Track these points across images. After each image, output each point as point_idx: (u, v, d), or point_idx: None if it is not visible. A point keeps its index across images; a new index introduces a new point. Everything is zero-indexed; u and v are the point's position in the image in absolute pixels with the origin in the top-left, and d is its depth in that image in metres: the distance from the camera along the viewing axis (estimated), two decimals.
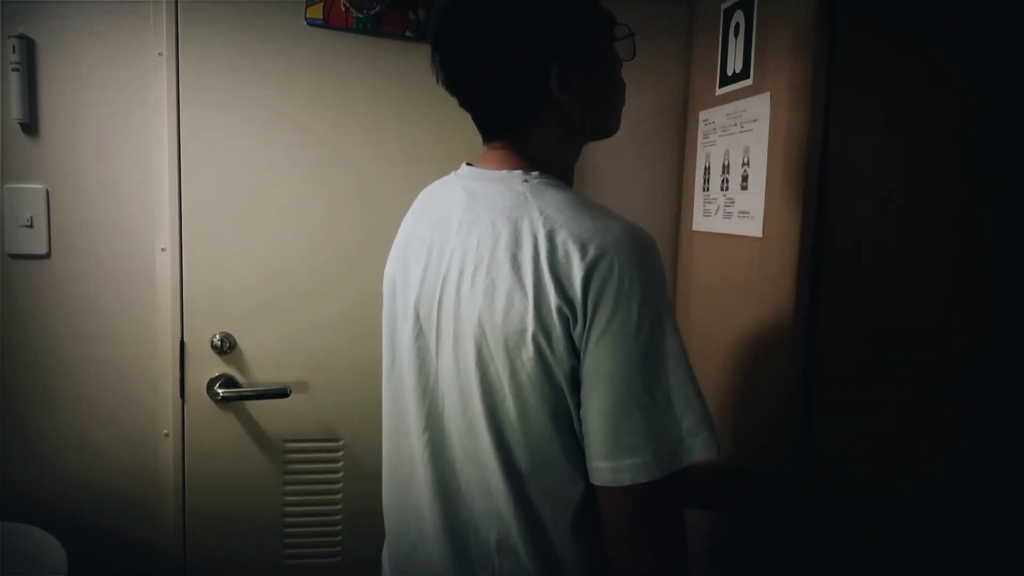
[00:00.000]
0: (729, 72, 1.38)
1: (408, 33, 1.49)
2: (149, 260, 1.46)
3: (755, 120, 1.26)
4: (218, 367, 1.49)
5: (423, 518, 0.86)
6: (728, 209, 1.37)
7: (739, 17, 1.34)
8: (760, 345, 1.26)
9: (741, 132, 1.32)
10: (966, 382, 1.19)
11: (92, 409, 1.47)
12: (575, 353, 0.74)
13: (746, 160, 1.30)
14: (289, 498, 1.54)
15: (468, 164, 0.91)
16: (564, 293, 0.72)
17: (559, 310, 0.72)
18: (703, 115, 1.50)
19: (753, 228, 1.27)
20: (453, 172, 0.92)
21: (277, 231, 1.48)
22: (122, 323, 1.46)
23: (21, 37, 1.37)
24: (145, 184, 1.45)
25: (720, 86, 1.42)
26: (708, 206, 1.47)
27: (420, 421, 0.85)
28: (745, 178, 1.30)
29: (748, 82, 1.30)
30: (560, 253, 0.73)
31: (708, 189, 1.47)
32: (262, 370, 1.51)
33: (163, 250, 1.45)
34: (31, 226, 1.42)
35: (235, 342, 1.49)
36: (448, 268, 0.81)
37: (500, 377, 0.76)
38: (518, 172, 0.83)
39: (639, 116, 1.61)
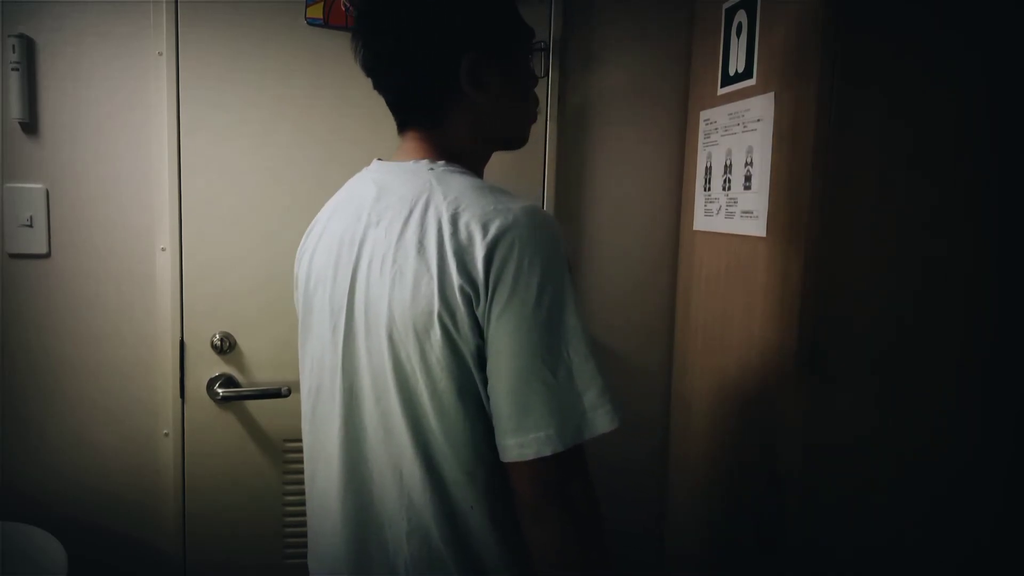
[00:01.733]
0: (731, 72, 1.38)
1: None
2: (149, 260, 1.45)
3: (759, 120, 1.26)
4: (218, 367, 1.49)
5: (329, 509, 0.87)
6: (731, 209, 1.36)
7: (741, 17, 1.33)
8: (763, 345, 1.26)
9: (744, 132, 1.31)
10: (966, 382, 1.19)
11: (92, 409, 1.47)
12: (479, 332, 0.76)
13: (749, 160, 1.29)
14: (289, 498, 1.54)
15: (379, 160, 0.92)
16: (467, 273, 0.74)
17: (462, 289, 0.74)
18: (704, 115, 1.50)
19: (757, 228, 1.26)
20: (366, 168, 0.93)
21: (277, 231, 1.48)
22: (122, 323, 1.46)
23: (21, 37, 1.37)
24: (145, 184, 1.45)
25: (722, 86, 1.42)
26: (710, 206, 1.46)
27: (337, 415, 0.85)
28: (748, 178, 1.30)
29: (751, 82, 1.30)
30: (463, 235, 0.75)
31: (710, 189, 1.46)
32: (262, 370, 1.51)
33: (163, 250, 1.45)
34: (31, 226, 1.42)
35: (235, 342, 1.49)
36: (358, 260, 0.82)
37: (411, 361, 0.78)
38: (424, 161, 0.85)
39: (639, 116, 1.61)
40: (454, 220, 0.76)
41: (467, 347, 0.76)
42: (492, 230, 0.75)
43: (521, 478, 0.76)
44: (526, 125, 0.95)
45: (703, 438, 1.48)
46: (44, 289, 1.44)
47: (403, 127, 0.90)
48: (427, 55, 0.83)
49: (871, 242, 1.13)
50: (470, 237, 0.75)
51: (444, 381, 0.77)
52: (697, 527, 1.51)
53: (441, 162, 0.85)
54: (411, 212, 0.79)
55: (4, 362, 1.44)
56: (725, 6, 1.40)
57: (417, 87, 0.85)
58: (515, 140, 0.95)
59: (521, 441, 0.74)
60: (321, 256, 0.88)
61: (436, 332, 0.75)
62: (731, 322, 1.37)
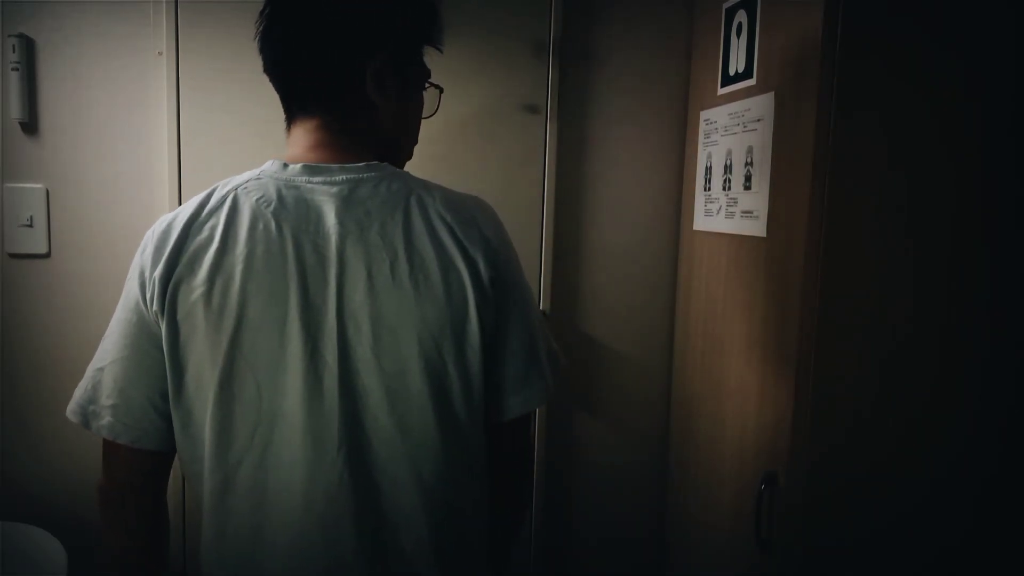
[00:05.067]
0: (731, 72, 1.38)
1: None
2: None
3: (759, 120, 1.26)
4: None
5: (339, 539, 0.79)
6: (731, 209, 1.36)
7: (741, 17, 1.33)
8: (764, 345, 1.26)
9: (744, 132, 1.31)
10: (967, 382, 1.19)
11: None
12: (497, 313, 0.83)
13: (749, 160, 1.29)
14: None
15: (286, 163, 0.84)
16: (491, 261, 0.82)
17: (491, 279, 0.81)
18: (704, 115, 1.50)
19: (757, 228, 1.26)
20: (269, 175, 0.82)
21: None
22: None
23: (21, 37, 1.37)
24: (145, 184, 1.45)
25: (722, 86, 1.42)
26: (710, 206, 1.46)
27: (329, 443, 0.78)
28: (748, 178, 1.30)
29: (751, 82, 1.30)
30: (471, 227, 0.82)
31: (710, 189, 1.46)
32: None
33: None
34: (31, 226, 1.42)
35: None
36: (342, 273, 0.78)
37: (447, 357, 0.80)
38: (375, 163, 0.83)
39: (639, 116, 1.61)
40: (457, 215, 0.82)
41: (490, 331, 0.82)
42: (492, 221, 0.85)
43: (517, 429, 0.89)
44: (406, 151, 0.96)
45: (703, 438, 1.48)
46: (44, 289, 1.44)
47: (300, 114, 0.86)
48: (337, 50, 0.83)
49: (871, 242, 1.13)
50: (479, 228, 0.83)
51: (476, 366, 0.81)
52: (697, 527, 1.51)
53: (386, 164, 0.84)
54: (407, 214, 0.80)
55: (4, 362, 1.44)
56: (725, 6, 1.40)
57: (328, 79, 0.84)
58: (399, 158, 0.93)
59: (527, 396, 0.86)
60: (259, 278, 0.77)
61: (473, 322, 0.80)
62: (731, 322, 1.37)
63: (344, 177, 0.81)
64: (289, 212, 0.80)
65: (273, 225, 0.79)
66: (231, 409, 0.79)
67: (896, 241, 1.14)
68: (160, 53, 1.41)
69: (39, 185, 1.42)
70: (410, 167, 1.51)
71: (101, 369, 0.84)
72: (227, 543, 0.82)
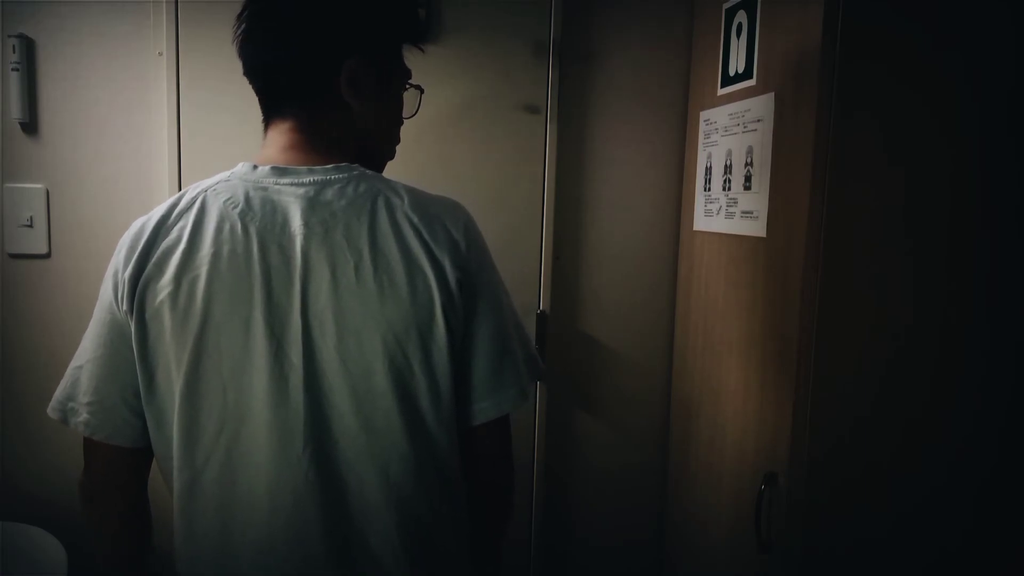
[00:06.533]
0: (731, 72, 1.38)
1: None
2: None
3: (759, 120, 1.26)
4: None
5: (306, 538, 0.79)
6: (731, 209, 1.37)
7: (741, 17, 1.34)
8: (764, 345, 1.26)
9: (744, 132, 1.32)
10: (967, 382, 1.19)
11: None
12: (465, 316, 0.82)
13: (749, 160, 1.29)
14: None
15: (254, 165, 0.84)
16: (459, 263, 0.81)
17: (458, 280, 0.80)
18: (704, 115, 1.50)
19: (757, 228, 1.27)
20: (238, 177, 0.83)
21: None
22: None
23: (21, 37, 1.37)
24: (145, 184, 1.45)
25: (722, 86, 1.42)
26: (710, 206, 1.46)
27: (294, 442, 0.78)
28: (748, 178, 1.30)
29: (751, 82, 1.30)
30: (440, 229, 0.82)
31: (710, 189, 1.46)
32: None
33: None
34: (31, 226, 1.42)
35: None
36: (307, 274, 0.78)
37: (412, 360, 0.79)
38: (344, 165, 0.83)
39: (639, 116, 1.61)
40: (425, 217, 0.81)
41: (458, 334, 0.82)
42: (463, 223, 0.84)
43: (492, 433, 0.86)
44: (385, 155, 0.94)
45: (703, 438, 1.48)
46: (44, 289, 1.44)
47: (276, 116, 0.86)
48: (312, 48, 0.83)
49: (871, 242, 1.13)
50: (447, 230, 0.82)
51: (443, 368, 0.80)
52: (697, 527, 1.51)
53: (356, 165, 0.84)
54: (373, 216, 0.80)
55: (4, 362, 1.44)
56: (725, 6, 1.40)
57: (299, 78, 0.84)
58: (378, 160, 0.92)
59: (499, 400, 0.85)
60: (224, 279, 0.78)
61: (440, 325, 0.79)
62: (731, 322, 1.37)
63: (311, 179, 0.81)
64: (255, 213, 0.80)
65: (239, 226, 0.79)
66: (197, 408, 0.79)
67: (896, 241, 1.14)
68: (160, 53, 1.41)
69: (39, 185, 1.42)
70: (410, 168, 1.51)
71: (80, 367, 0.86)
72: (196, 543, 0.82)
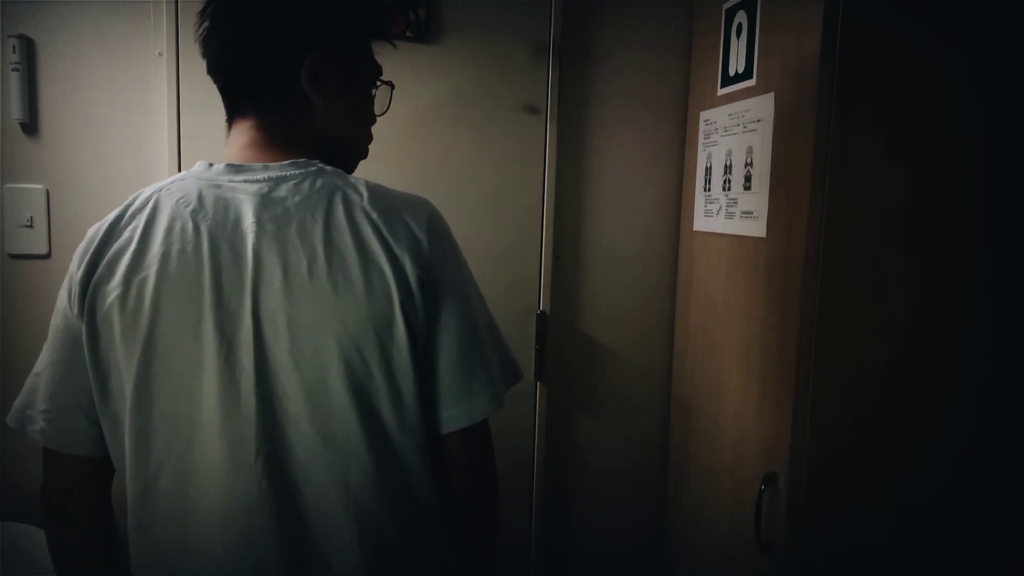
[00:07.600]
0: (731, 72, 1.38)
1: (409, 33, 1.49)
2: None
3: (759, 120, 1.26)
4: None
5: (259, 549, 0.76)
6: (731, 209, 1.37)
7: (741, 17, 1.34)
8: (764, 345, 1.26)
9: (744, 132, 1.32)
10: (967, 382, 1.19)
11: None
12: (427, 317, 0.78)
13: (749, 160, 1.29)
14: None
15: (211, 163, 0.82)
16: (420, 262, 0.77)
17: (418, 279, 0.76)
18: (704, 115, 1.50)
19: (757, 228, 1.27)
20: (193, 176, 0.81)
21: None
22: None
23: (21, 37, 1.37)
24: (145, 184, 1.44)
25: (722, 86, 1.42)
26: (710, 206, 1.46)
27: (247, 450, 0.75)
28: (748, 178, 1.30)
29: (751, 82, 1.30)
30: (401, 227, 0.78)
31: (710, 189, 1.46)
32: None
33: None
34: (31, 226, 1.42)
35: None
36: (258, 273, 0.75)
37: (370, 362, 0.75)
38: (302, 161, 0.80)
39: (639, 116, 1.61)
40: (384, 213, 0.78)
41: (421, 336, 0.78)
42: (425, 219, 0.80)
43: (464, 442, 0.81)
44: (355, 155, 0.92)
45: (703, 439, 1.48)
46: (44, 289, 1.44)
47: (238, 114, 0.84)
48: (272, 43, 0.80)
49: (871, 242, 1.13)
50: (408, 226, 0.78)
51: (405, 371, 0.77)
52: (697, 527, 1.51)
53: (316, 160, 0.81)
54: (329, 213, 0.76)
55: (4, 362, 1.44)
56: (725, 6, 1.40)
57: (258, 75, 0.81)
58: (348, 160, 0.90)
59: (470, 407, 0.80)
60: (174, 279, 0.75)
61: (399, 325, 0.75)
62: (731, 322, 1.37)
63: (266, 175, 0.78)
64: (207, 212, 0.77)
65: (190, 225, 0.76)
66: (149, 414, 0.76)
67: (896, 241, 1.14)
68: (160, 53, 1.41)
69: (39, 185, 1.42)
70: (410, 168, 1.51)
71: (38, 375, 0.84)
72: (151, 553, 0.80)
